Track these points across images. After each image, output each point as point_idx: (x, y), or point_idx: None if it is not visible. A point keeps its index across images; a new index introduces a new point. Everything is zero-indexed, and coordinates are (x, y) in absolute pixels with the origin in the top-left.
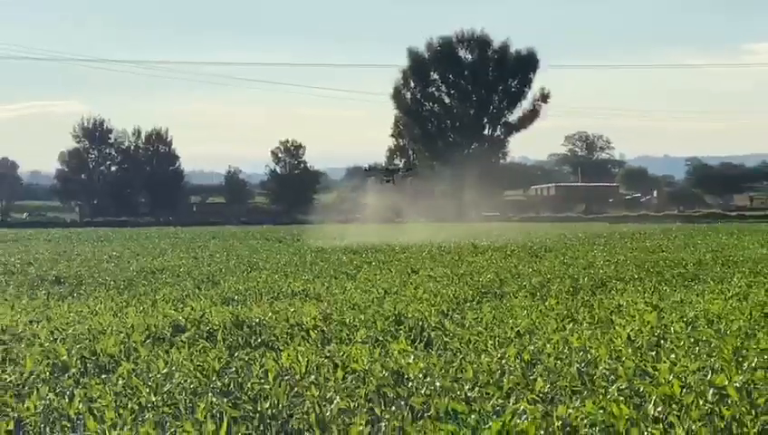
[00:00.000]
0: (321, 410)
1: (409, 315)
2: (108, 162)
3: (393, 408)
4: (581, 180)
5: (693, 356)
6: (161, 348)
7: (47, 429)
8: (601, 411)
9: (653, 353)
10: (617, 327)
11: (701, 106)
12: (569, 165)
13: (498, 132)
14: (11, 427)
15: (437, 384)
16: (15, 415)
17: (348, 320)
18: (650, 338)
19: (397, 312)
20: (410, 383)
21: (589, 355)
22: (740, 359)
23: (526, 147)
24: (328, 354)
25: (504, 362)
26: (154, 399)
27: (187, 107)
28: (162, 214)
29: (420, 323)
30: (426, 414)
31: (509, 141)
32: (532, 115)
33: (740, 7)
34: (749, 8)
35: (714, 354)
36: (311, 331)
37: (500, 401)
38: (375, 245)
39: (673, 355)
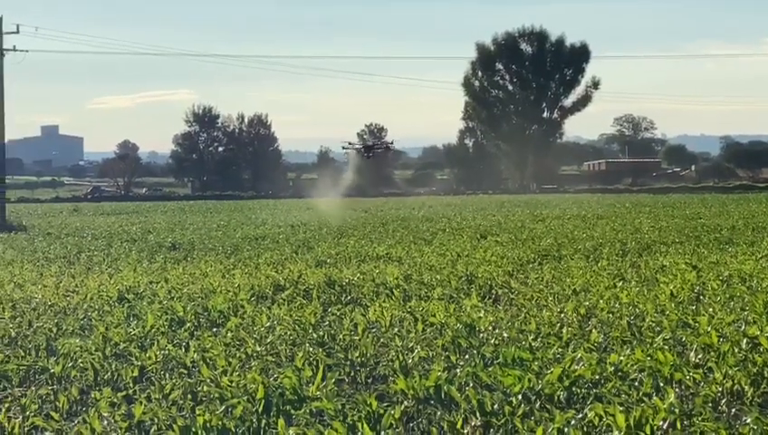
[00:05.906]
0: (404, 358)
1: (479, 275)
2: (215, 144)
3: (467, 356)
4: (628, 157)
5: (728, 310)
6: (264, 305)
7: (166, 375)
8: (649, 358)
9: (693, 308)
10: (661, 285)
11: (732, 91)
12: (617, 143)
13: (555, 115)
14: (135, 374)
15: (505, 335)
16: (139, 363)
17: (426, 280)
18: (690, 294)
19: (468, 272)
20: (481, 335)
21: (637, 310)
22: None
23: (580, 128)
24: (409, 310)
25: (562, 315)
26: (259, 349)
27: (285, 95)
28: (263, 188)
29: (489, 282)
30: (495, 361)
31: (564, 123)
32: (585, 100)
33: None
34: None
35: (747, 308)
36: (394, 289)
37: (560, 349)
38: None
39: (711, 309)
